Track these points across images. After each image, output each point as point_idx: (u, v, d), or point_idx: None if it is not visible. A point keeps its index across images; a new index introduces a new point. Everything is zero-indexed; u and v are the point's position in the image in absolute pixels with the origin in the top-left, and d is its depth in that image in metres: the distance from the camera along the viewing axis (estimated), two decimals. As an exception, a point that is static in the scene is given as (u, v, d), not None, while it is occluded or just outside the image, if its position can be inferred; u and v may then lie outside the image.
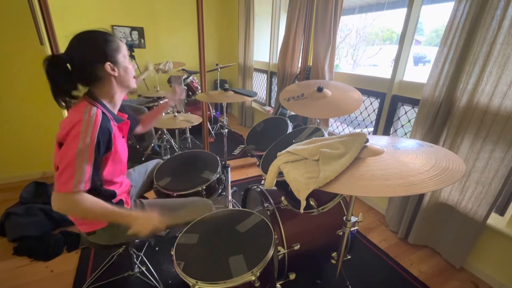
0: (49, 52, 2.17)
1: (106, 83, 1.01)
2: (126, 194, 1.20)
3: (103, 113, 0.97)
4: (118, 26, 4.01)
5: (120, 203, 1.14)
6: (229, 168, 2.00)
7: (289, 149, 0.94)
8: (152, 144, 3.07)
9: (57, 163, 0.91)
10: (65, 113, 2.15)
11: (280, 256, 1.33)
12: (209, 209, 1.29)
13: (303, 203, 0.82)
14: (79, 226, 1.11)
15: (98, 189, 1.04)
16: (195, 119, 2.01)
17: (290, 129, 1.69)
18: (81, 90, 1.01)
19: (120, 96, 1.09)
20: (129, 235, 1.11)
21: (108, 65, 0.98)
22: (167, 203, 1.29)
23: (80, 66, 0.96)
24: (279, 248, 1.32)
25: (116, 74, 1.00)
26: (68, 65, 0.95)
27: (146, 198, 1.53)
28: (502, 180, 1.43)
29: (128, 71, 1.05)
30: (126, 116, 1.17)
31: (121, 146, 1.10)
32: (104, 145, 0.96)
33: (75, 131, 0.89)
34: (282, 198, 1.28)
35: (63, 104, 0.99)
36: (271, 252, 1.00)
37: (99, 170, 0.98)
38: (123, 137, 1.14)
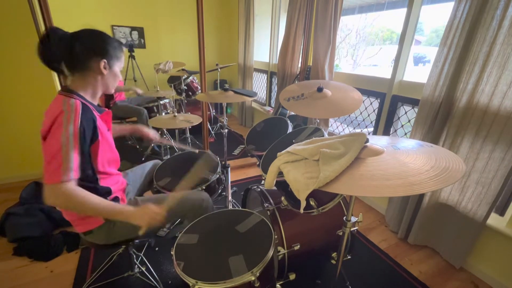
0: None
1: (91, 77, 1.02)
2: (122, 192, 1.20)
3: (82, 103, 0.98)
4: (118, 26, 4.01)
5: (116, 200, 1.14)
6: (229, 168, 2.00)
7: (289, 149, 0.94)
8: (152, 144, 3.07)
9: (44, 156, 0.90)
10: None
11: (280, 256, 1.33)
12: (206, 202, 1.30)
13: (303, 203, 0.82)
14: (76, 227, 1.11)
15: (95, 187, 1.05)
16: (195, 119, 2.00)
17: (290, 129, 1.69)
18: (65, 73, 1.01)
19: (98, 94, 1.09)
20: (127, 232, 1.13)
21: (103, 62, 1.01)
22: (161, 197, 1.29)
23: (81, 49, 0.97)
24: (279, 248, 1.32)
25: (105, 73, 1.03)
26: (69, 43, 0.96)
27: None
28: (502, 180, 1.43)
29: (115, 79, 1.10)
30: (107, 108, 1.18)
31: (108, 137, 1.11)
32: (89, 133, 0.96)
33: (57, 123, 0.90)
34: (282, 198, 1.28)
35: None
36: (271, 252, 1.00)
37: (90, 160, 1.00)
38: (108, 130, 1.14)
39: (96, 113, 1.04)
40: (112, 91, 1.12)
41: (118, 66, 1.08)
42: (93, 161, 1.03)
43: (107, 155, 1.09)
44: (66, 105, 0.93)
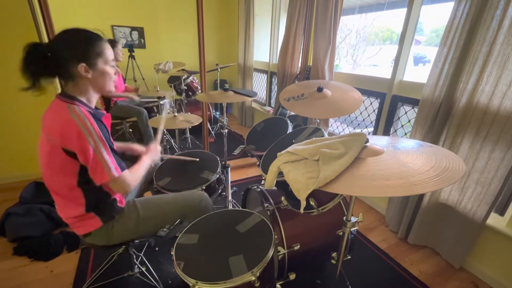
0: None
1: (81, 82, 0.99)
2: (120, 194, 1.20)
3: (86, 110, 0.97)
4: (118, 26, 4.01)
5: (114, 202, 1.14)
6: (229, 168, 2.00)
7: (289, 149, 0.94)
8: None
9: (86, 164, 0.95)
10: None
11: (280, 256, 1.33)
12: (205, 202, 1.31)
13: (303, 203, 0.82)
14: (75, 229, 1.11)
15: (94, 191, 1.05)
16: (195, 119, 2.01)
17: (290, 129, 1.69)
18: (51, 82, 0.98)
19: (94, 96, 1.07)
20: (125, 234, 1.18)
21: (82, 66, 0.95)
22: (160, 198, 1.30)
23: (56, 60, 0.94)
24: (279, 248, 1.32)
25: (89, 76, 0.98)
26: (48, 54, 0.94)
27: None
28: (502, 180, 1.43)
29: (105, 76, 1.03)
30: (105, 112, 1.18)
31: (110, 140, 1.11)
32: (106, 136, 0.99)
33: (76, 133, 0.90)
34: (282, 198, 1.28)
35: (30, 84, 0.95)
36: (271, 252, 1.00)
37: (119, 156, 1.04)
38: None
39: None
40: (111, 89, 1.08)
41: (103, 62, 1.00)
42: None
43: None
44: (74, 113, 0.92)
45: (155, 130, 3.09)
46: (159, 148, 1.32)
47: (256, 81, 4.44)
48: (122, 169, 1.01)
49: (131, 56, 3.73)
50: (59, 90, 2.33)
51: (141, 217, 1.19)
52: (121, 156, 1.06)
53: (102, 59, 1.00)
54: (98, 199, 1.09)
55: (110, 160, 0.97)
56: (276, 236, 1.15)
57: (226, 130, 1.96)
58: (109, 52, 1.03)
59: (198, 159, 1.74)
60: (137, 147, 1.42)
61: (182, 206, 1.26)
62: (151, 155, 1.24)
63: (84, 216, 1.08)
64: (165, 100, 3.18)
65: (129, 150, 1.43)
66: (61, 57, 0.94)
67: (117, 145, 1.42)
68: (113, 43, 2.61)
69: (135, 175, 1.08)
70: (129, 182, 1.03)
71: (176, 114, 2.01)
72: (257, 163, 2.86)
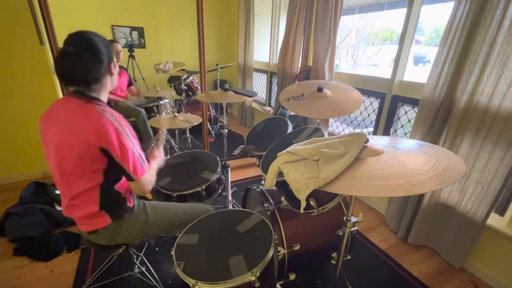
0: (49, 52, 2.17)
1: (104, 81, 1.05)
2: (129, 193, 1.20)
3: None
4: (118, 26, 4.01)
5: (123, 201, 1.14)
6: (229, 168, 2.00)
7: (289, 149, 0.94)
8: (152, 145, 3.07)
9: (123, 163, 0.99)
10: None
11: (280, 256, 1.33)
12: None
13: (303, 203, 0.82)
14: (81, 226, 1.11)
15: (110, 190, 1.07)
16: (195, 119, 2.01)
17: (290, 129, 1.69)
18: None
19: (107, 95, 1.11)
20: (132, 234, 1.18)
21: (111, 65, 1.04)
22: (168, 206, 1.31)
23: (86, 63, 0.97)
24: (279, 248, 1.32)
25: (114, 73, 1.07)
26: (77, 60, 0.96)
27: (145, 198, 1.53)
28: (502, 180, 1.43)
29: (116, 72, 1.12)
30: None
31: None
32: (133, 133, 1.04)
33: (115, 131, 0.94)
34: (282, 198, 1.28)
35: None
36: (271, 252, 1.00)
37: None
38: None
39: None
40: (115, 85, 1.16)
41: (116, 59, 1.11)
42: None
43: None
44: (106, 113, 0.96)
45: (154, 130, 3.10)
46: (163, 154, 1.36)
47: (256, 81, 4.44)
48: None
49: (131, 56, 3.73)
50: (60, 90, 2.32)
51: (149, 222, 1.20)
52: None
53: (115, 58, 1.09)
54: (112, 197, 1.10)
55: (143, 155, 1.05)
56: (276, 236, 1.15)
57: (226, 130, 1.96)
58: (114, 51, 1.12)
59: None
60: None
61: (188, 218, 1.26)
62: (158, 160, 1.28)
63: (95, 213, 1.08)
64: (166, 100, 3.19)
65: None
66: (91, 59, 0.97)
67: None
68: (112, 42, 2.65)
69: (152, 177, 1.12)
70: (151, 179, 1.10)
71: (176, 114, 2.01)
72: (257, 163, 2.85)
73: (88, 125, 0.94)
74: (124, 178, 1.15)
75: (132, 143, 1.00)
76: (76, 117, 0.97)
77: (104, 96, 1.07)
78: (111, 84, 1.09)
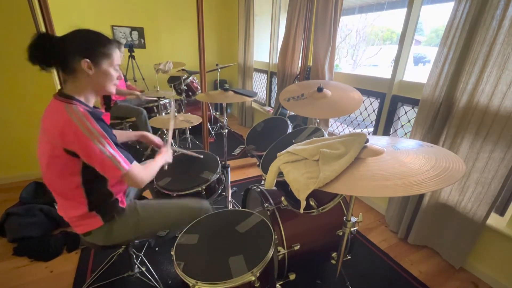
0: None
1: (81, 79, 0.99)
2: (122, 194, 1.20)
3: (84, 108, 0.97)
4: (118, 26, 4.01)
5: (116, 202, 1.14)
6: (229, 168, 2.00)
7: (289, 149, 0.94)
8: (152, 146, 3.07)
9: (95, 165, 0.96)
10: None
11: (280, 256, 1.33)
12: (205, 211, 1.29)
13: (303, 203, 0.82)
14: (75, 228, 1.11)
15: (98, 190, 1.06)
16: (195, 120, 2.00)
17: (290, 129, 1.69)
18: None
19: (92, 96, 1.06)
20: (125, 234, 1.18)
21: (84, 62, 0.95)
22: (161, 204, 1.29)
23: (64, 52, 0.95)
24: (279, 248, 1.32)
25: (90, 73, 0.98)
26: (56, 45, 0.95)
27: (145, 197, 1.53)
28: (502, 180, 1.43)
29: (107, 77, 1.03)
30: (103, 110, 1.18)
31: None
32: (108, 132, 0.97)
33: (75, 133, 0.89)
34: (282, 198, 1.28)
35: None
36: (271, 252, 1.00)
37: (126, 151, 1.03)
38: None
39: None
40: (111, 90, 1.07)
41: (108, 63, 1.01)
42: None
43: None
44: (72, 113, 0.91)
45: (154, 130, 3.10)
46: (170, 151, 1.35)
47: (256, 81, 4.44)
48: (131, 161, 1.01)
49: (131, 56, 3.73)
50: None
51: (141, 221, 1.19)
52: (139, 144, 1.07)
53: (108, 61, 1.01)
54: (101, 198, 1.09)
55: (117, 154, 0.96)
56: (276, 236, 1.15)
57: (226, 130, 1.96)
58: (116, 56, 1.04)
59: (202, 156, 1.78)
60: (150, 135, 1.43)
61: (181, 213, 1.25)
62: (164, 156, 1.27)
63: (86, 215, 1.07)
64: (166, 100, 3.19)
65: (143, 138, 1.43)
66: (67, 49, 0.95)
67: (131, 133, 1.43)
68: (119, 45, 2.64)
69: (147, 170, 1.09)
70: (140, 174, 1.03)
71: (176, 114, 2.01)
72: (257, 163, 2.86)
73: (54, 126, 0.92)
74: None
75: (101, 143, 0.93)
76: (47, 117, 0.96)
77: (84, 97, 1.01)
78: (94, 85, 1.02)
